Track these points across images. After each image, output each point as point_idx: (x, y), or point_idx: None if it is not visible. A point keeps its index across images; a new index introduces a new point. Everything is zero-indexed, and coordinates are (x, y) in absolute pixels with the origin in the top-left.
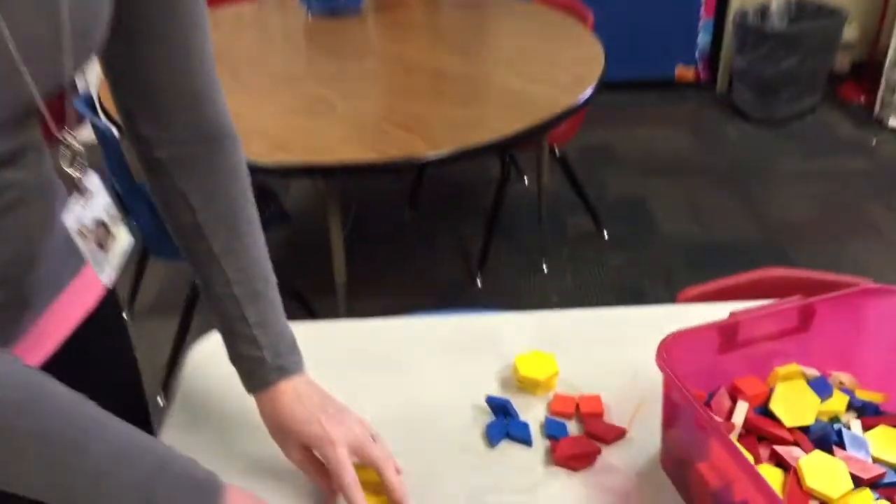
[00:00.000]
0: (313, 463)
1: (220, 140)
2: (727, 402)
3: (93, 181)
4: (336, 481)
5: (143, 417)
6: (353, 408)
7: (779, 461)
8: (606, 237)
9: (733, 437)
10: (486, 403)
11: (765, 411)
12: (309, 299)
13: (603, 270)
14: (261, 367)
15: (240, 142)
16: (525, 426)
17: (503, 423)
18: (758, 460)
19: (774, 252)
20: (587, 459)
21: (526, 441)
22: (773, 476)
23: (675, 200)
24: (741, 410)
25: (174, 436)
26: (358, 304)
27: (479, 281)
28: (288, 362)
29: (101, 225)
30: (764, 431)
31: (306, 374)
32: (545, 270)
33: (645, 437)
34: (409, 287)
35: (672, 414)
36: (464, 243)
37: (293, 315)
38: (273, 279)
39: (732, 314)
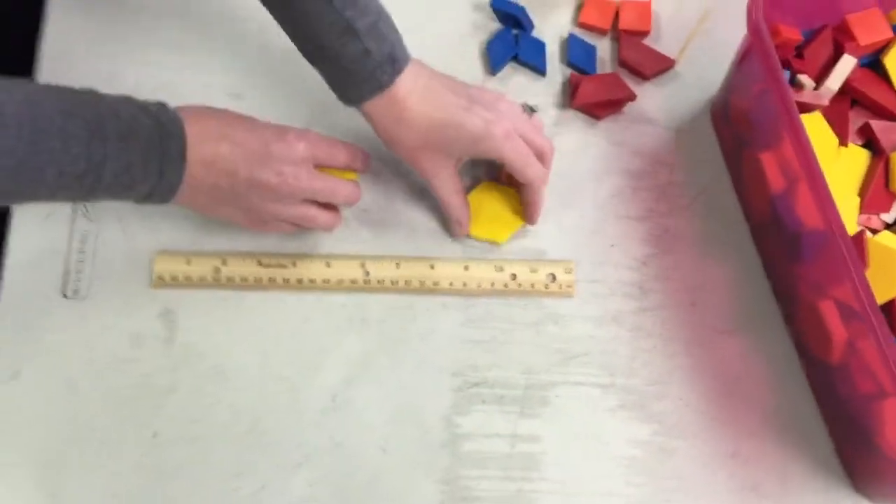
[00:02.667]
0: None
1: None
2: (828, 50)
3: None
4: (529, 183)
5: None
6: None
7: (870, 138)
8: None
9: (820, 105)
10: (490, 8)
11: (875, 62)
12: None
13: None
14: (364, 62)
15: None
16: (540, 47)
17: (511, 40)
18: (844, 138)
19: None
20: (615, 106)
21: (539, 69)
22: (856, 160)
23: None
24: (844, 67)
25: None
26: None
27: None
28: (397, 47)
29: None
30: (860, 94)
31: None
32: None
33: (698, 75)
34: None
35: (746, 62)
36: None
37: None
38: None
39: None
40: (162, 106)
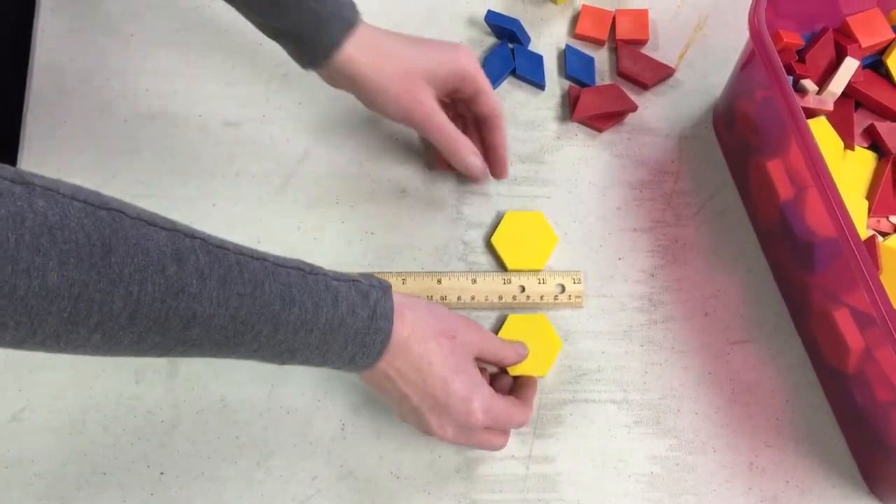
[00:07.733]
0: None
1: None
2: (829, 53)
3: None
4: (492, 112)
5: None
6: None
7: (875, 140)
8: None
9: (824, 110)
10: (485, 22)
11: (877, 63)
12: None
13: None
14: (324, 18)
15: None
16: (538, 60)
17: (508, 55)
18: (849, 141)
19: None
20: (616, 118)
21: (537, 83)
22: (862, 163)
23: None
24: (847, 70)
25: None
26: None
27: None
28: (346, 6)
29: None
30: (864, 96)
31: None
32: None
33: (699, 81)
34: None
35: (749, 68)
36: None
37: None
38: None
39: None
40: (384, 293)
